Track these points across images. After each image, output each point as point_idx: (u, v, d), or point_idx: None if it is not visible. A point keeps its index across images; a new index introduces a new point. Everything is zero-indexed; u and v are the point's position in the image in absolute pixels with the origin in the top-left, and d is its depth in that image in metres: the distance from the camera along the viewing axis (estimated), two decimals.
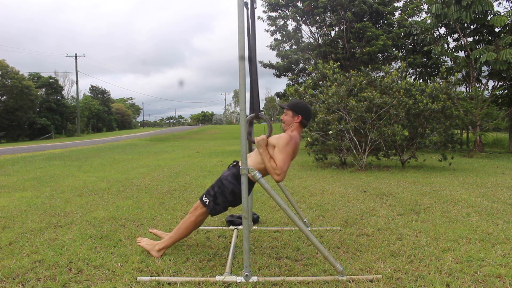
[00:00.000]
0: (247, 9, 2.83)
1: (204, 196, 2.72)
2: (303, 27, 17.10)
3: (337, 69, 8.42)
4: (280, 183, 3.44)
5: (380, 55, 15.78)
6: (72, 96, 48.26)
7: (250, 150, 3.22)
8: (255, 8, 2.92)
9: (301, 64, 17.58)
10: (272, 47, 17.58)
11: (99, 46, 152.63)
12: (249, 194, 2.74)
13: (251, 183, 2.69)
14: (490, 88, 14.20)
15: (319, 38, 17.10)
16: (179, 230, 2.73)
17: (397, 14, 16.65)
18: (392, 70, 8.83)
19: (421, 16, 16.89)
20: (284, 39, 17.45)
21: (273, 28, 17.27)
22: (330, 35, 16.53)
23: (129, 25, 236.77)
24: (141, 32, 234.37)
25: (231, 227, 3.47)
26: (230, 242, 3.02)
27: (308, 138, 8.07)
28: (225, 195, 2.67)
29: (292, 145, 2.61)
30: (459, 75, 13.29)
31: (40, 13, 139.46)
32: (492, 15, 12.36)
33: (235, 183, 2.65)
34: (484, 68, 13.35)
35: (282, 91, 18.04)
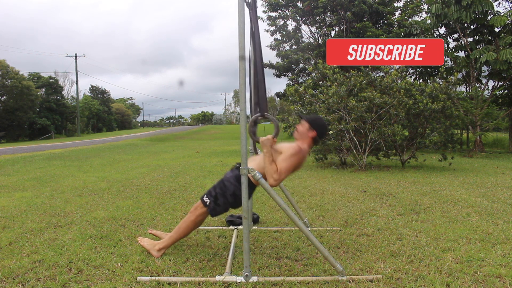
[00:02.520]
0: (250, 9, 2.82)
1: (205, 196, 2.72)
2: (303, 27, 17.14)
3: (337, 69, 8.42)
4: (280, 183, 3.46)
5: None
6: (72, 96, 48.27)
7: (256, 151, 3.22)
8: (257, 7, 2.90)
9: (301, 64, 17.59)
10: (272, 47, 17.59)
11: (98, 45, 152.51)
12: (250, 197, 2.72)
13: (253, 186, 2.67)
14: (490, 88, 14.22)
15: (319, 38, 17.11)
16: (179, 230, 2.74)
17: (397, 14, 16.67)
18: (392, 70, 8.83)
19: (421, 16, 16.91)
20: (284, 39, 17.48)
21: (273, 28, 17.30)
22: (330, 35, 16.54)
23: (128, 25, 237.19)
24: (140, 32, 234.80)
25: (231, 227, 3.48)
26: (230, 242, 3.02)
27: None
28: (226, 196, 2.66)
29: (299, 157, 2.59)
30: (459, 75, 13.29)
31: (39, 12, 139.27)
32: (492, 15, 12.37)
33: (237, 185, 2.62)
34: (484, 68, 13.36)
35: (282, 91, 18.06)
